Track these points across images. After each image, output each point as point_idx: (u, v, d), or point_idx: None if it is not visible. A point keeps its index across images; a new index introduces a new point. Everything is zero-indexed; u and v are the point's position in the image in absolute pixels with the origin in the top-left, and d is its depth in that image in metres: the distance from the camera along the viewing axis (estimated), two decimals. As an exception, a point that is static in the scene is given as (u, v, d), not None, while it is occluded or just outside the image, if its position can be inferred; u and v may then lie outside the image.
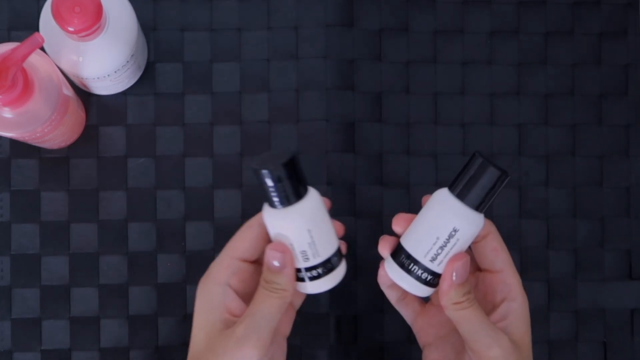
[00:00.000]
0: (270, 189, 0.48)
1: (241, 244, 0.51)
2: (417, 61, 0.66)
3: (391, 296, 0.56)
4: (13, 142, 0.63)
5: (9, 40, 0.63)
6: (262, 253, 0.52)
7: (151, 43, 0.64)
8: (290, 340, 0.54)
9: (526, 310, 0.52)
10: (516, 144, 0.66)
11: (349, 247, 0.63)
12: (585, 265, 0.66)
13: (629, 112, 0.67)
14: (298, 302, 0.55)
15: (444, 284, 0.50)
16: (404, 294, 0.56)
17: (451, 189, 0.49)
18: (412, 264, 0.50)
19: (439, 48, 0.66)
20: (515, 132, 0.66)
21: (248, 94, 0.64)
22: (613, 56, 0.67)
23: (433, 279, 0.51)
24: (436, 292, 0.53)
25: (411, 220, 0.52)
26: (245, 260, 0.52)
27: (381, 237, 0.53)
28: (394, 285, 0.54)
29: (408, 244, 0.51)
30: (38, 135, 0.55)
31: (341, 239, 0.53)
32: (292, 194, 0.48)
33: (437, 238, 0.49)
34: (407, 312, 0.56)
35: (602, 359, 0.65)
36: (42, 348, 0.63)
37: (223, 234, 0.61)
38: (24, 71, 0.50)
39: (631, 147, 0.67)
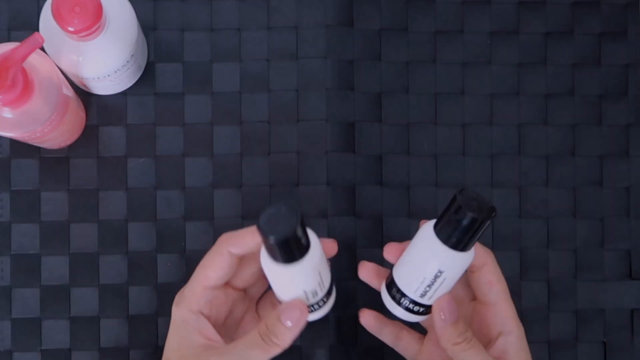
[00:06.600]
0: (281, 250, 0.46)
1: (214, 273, 0.52)
2: (417, 61, 0.66)
3: (386, 340, 0.58)
4: (13, 142, 0.63)
5: (9, 40, 0.63)
6: (233, 277, 0.53)
7: (151, 43, 0.64)
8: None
9: (523, 340, 0.52)
10: (516, 144, 0.66)
11: (349, 247, 0.63)
12: (585, 265, 0.66)
13: (629, 112, 0.67)
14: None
15: (437, 326, 0.51)
16: (398, 336, 0.57)
17: (435, 228, 0.49)
18: (402, 298, 0.52)
19: (439, 48, 0.66)
20: (515, 132, 0.66)
21: (248, 94, 0.64)
22: (613, 56, 0.67)
23: (425, 310, 0.52)
24: (433, 333, 0.55)
25: (402, 251, 0.52)
26: (217, 287, 0.53)
27: (360, 263, 0.55)
28: (383, 331, 0.57)
29: (399, 279, 0.52)
30: (38, 135, 0.55)
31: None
32: (303, 247, 0.47)
33: (424, 278, 0.50)
34: (406, 353, 0.58)
35: (602, 359, 0.65)
36: (42, 348, 0.63)
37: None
38: (24, 71, 0.50)
39: (631, 147, 0.66)
